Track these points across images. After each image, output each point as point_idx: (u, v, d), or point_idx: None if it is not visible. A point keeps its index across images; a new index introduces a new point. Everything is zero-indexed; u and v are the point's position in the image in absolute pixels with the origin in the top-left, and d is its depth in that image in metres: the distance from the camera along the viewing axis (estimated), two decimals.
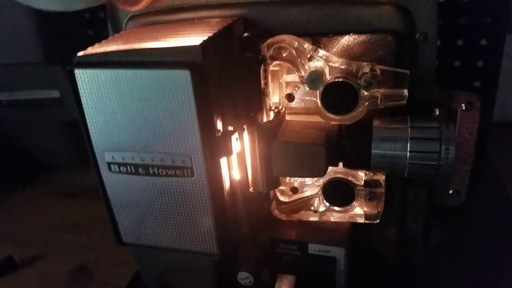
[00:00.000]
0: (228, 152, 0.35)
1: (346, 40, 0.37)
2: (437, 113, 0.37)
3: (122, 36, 0.38)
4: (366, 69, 0.35)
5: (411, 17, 0.37)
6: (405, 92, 0.35)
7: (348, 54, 0.37)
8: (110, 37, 0.38)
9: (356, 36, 0.37)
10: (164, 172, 0.35)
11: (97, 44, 0.36)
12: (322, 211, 0.43)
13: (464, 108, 0.39)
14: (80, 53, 0.34)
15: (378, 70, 0.35)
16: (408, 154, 0.35)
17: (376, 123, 0.37)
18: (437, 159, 0.34)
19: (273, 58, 0.37)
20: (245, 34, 0.39)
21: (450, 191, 0.42)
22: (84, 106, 0.35)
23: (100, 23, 0.74)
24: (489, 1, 0.63)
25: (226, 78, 0.35)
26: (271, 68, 0.38)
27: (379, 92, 0.35)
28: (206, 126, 0.33)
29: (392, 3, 0.36)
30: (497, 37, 0.65)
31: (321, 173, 0.37)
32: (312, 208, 0.43)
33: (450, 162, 0.34)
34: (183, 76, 0.31)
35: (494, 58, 0.66)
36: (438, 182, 0.42)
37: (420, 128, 0.35)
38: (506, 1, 0.63)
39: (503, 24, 0.64)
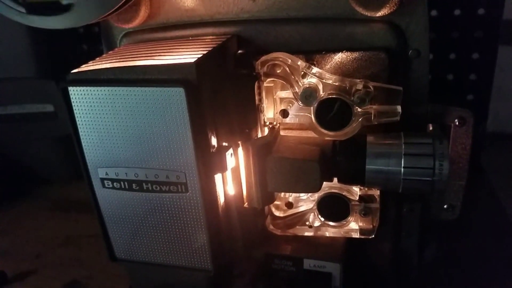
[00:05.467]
0: (222, 168, 0.35)
1: (339, 57, 0.38)
2: (431, 128, 0.38)
3: (116, 53, 0.38)
4: (359, 86, 0.35)
5: (403, 34, 0.37)
6: (399, 108, 0.36)
7: (342, 71, 0.38)
8: (104, 55, 0.38)
9: (349, 53, 0.37)
10: (158, 188, 0.35)
11: (91, 61, 0.36)
12: (317, 226, 0.43)
13: (457, 123, 0.39)
14: (74, 71, 0.34)
15: (371, 87, 0.35)
16: (402, 170, 0.35)
17: (370, 139, 0.37)
18: (431, 175, 0.34)
19: (267, 75, 0.37)
20: (239, 51, 0.39)
21: (445, 206, 0.42)
22: (77, 123, 0.35)
23: (94, 38, 0.74)
24: (481, 15, 0.64)
25: (220, 94, 0.35)
26: (265, 84, 0.38)
27: (372, 108, 0.36)
28: (201, 142, 0.33)
29: (385, 20, 0.37)
30: (489, 51, 0.66)
31: (315, 188, 0.37)
32: (307, 223, 0.43)
33: (444, 178, 0.34)
34: (177, 93, 0.31)
35: (486, 72, 0.67)
36: (433, 197, 0.42)
37: (413, 144, 0.35)
38: (498, 15, 0.64)
39: (494, 38, 0.65)
